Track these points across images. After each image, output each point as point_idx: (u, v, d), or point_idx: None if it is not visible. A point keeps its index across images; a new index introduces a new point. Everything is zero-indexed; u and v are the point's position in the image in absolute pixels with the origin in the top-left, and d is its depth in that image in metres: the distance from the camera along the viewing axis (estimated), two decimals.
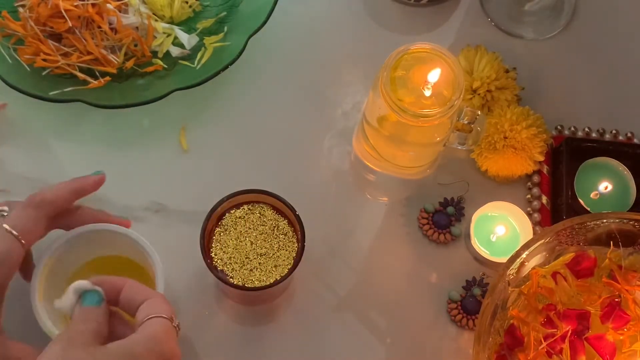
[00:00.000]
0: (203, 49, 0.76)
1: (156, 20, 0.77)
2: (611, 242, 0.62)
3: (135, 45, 0.75)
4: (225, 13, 0.79)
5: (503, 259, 0.65)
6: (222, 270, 0.63)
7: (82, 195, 0.61)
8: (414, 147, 0.70)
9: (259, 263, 0.64)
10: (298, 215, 0.63)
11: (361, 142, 0.73)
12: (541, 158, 0.74)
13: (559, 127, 0.78)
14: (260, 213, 0.65)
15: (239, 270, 0.63)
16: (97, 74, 0.74)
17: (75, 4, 0.71)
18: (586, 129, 0.78)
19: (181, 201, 0.73)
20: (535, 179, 0.76)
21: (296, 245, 0.64)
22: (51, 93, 0.71)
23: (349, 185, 0.76)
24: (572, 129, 0.78)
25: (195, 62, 0.75)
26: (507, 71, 0.77)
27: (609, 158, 0.74)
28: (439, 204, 0.75)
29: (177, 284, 0.70)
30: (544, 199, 0.75)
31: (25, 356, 0.54)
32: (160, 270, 0.59)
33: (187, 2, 0.79)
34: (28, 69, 0.73)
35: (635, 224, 0.62)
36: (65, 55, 0.73)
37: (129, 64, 0.74)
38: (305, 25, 0.82)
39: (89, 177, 0.62)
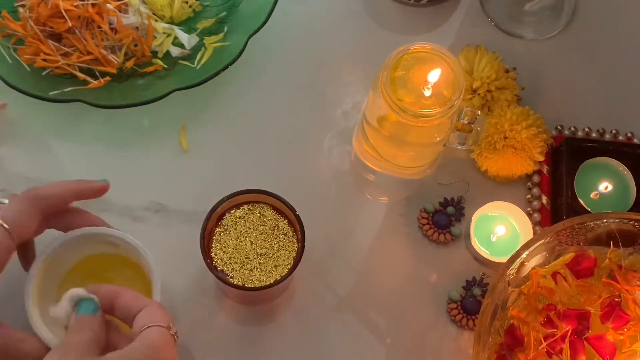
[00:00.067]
0: (203, 49, 0.76)
1: (156, 20, 0.77)
2: (611, 242, 0.62)
3: (135, 45, 0.75)
4: (225, 13, 0.79)
5: (503, 259, 0.65)
6: (222, 270, 0.63)
7: (81, 198, 0.60)
8: (414, 147, 0.70)
9: (259, 263, 0.64)
10: (298, 215, 0.63)
11: (361, 142, 0.73)
12: (541, 158, 0.74)
13: (559, 127, 0.78)
14: (260, 213, 0.65)
15: (239, 270, 0.64)
16: (97, 74, 0.74)
17: (75, 4, 0.71)
18: (586, 129, 0.78)
19: (181, 201, 0.73)
20: (535, 179, 0.76)
21: (296, 245, 0.64)
22: (51, 93, 0.71)
23: (349, 185, 0.76)
24: (572, 129, 0.78)
25: (195, 62, 0.75)
26: (507, 71, 0.77)
27: (609, 158, 0.74)
28: (439, 204, 0.75)
29: (177, 284, 0.70)
30: (544, 199, 0.75)
31: (26, 340, 0.53)
32: (157, 276, 0.58)
33: (187, 2, 0.79)
34: (28, 69, 0.73)
35: (635, 224, 0.62)
36: (65, 55, 0.73)
37: (129, 64, 0.74)
38: (305, 25, 0.82)
39: (93, 182, 0.60)
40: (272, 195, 0.64)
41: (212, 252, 0.64)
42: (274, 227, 0.65)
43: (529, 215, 0.74)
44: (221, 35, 0.77)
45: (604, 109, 0.80)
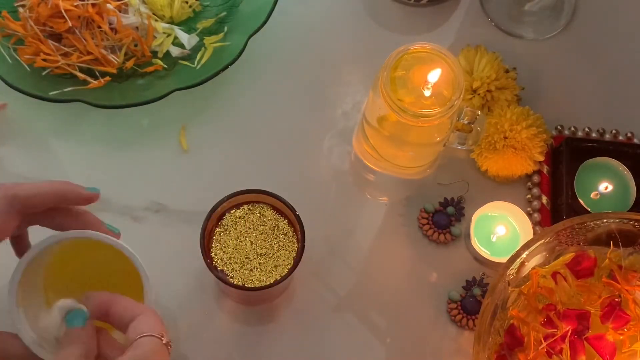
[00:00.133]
0: (203, 49, 0.76)
1: (156, 20, 0.77)
2: (611, 242, 0.62)
3: (135, 45, 0.75)
4: (225, 13, 0.79)
5: (503, 259, 0.65)
6: (222, 270, 0.63)
7: (65, 203, 0.56)
8: (414, 147, 0.70)
9: (259, 263, 0.64)
10: (298, 215, 0.63)
11: (361, 142, 0.73)
12: (541, 158, 0.74)
13: (559, 127, 0.78)
14: (260, 213, 0.65)
15: (239, 270, 0.64)
16: (97, 74, 0.74)
17: (75, 4, 0.71)
18: (586, 129, 0.78)
19: (181, 201, 0.73)
20: (535, 179, 0.76)
21: (296, 245, 0.64)
22: (51, 93, 0.71)
23: (349, 185, 0.76)
24: (572, 129, 0.78)
25: (195, 62, 0.75)
26: (507, 71, 0.77)
27: (609, 158, 0.74)
28: (439, 204, 0.75)
29: (177, 284, 0.70)
30: (544, 199, 0.75)
31: (9, 341, 0.52)
32: (148, 282, 0.57)
33: (187, 2, 0.79)
34: (28, 69, 0.73)
35: (635, 224, 0.62)
36: (65, 55, 0.73)
37: (129, 64, 0.74)
38: (305, 25, 0.82)
39: (81, 188, 0.56)
40: (272, 195, 0.64)
41: (212, 252, 0.64)
42: (274, 227, 0.65)
43: (529, 215, 0.74)
44: (221, 35, 0.77)
45: (604, 109, 0.80)
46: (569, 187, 0.73)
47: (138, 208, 0.73)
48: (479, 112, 0.68)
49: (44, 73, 0.73)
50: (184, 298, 0.70)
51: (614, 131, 0.79)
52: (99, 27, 0.72)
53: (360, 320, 0.71)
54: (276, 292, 0.69)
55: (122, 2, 0.75)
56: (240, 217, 0.65)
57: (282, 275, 0.63)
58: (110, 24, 0.73)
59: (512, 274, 0.62)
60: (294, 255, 0.64)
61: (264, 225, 0.65)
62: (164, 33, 0.76)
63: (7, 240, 0.55)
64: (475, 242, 0.71)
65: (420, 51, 0.64)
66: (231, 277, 0.63)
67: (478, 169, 0.76)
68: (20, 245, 0.58)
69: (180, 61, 0.76)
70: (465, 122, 0.68)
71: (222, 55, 0.75)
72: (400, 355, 0.70)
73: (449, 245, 0.74)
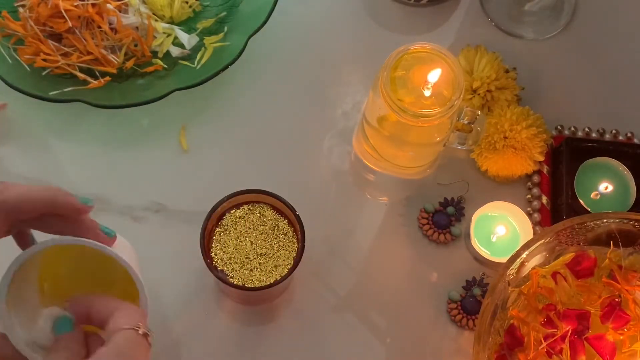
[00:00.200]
0: (203, 49, 0.76)
1: (156, 20, 0.77)
2: (611, 242, 0.62)
3: (135, 45, 0.75)
4: (225, 13, 0.79)
5: (503, 259, 0.65)
6: (222, 270, 0.63)
7: (56, 212, 0.53)
8: (414, 147, 0.70)
9: (259, 263, 0.64)
10: (298, 215, 0.63)
11: (361, 142, 0.73)
12: (541, 158, 0.74)
13: (559, 127, 0.78)
14: (260, 213, 0.65)
15: (239, 270, 0.64)
16: (97, 74, 0.74)
17: (75, 4, 0.71)
18: (586, 129, 0.78)
19: (181, 201, 0.73)
20: (535, 179, 0.76)
21: (296, 245, 0.64)
22: (51, 93, 0.72)
23: (349, 185, 0.76)
24: (572, 129, 0.78)
25: (195, 62, 0.75)
26: (507, 71, 0.77)
27: (609, 158, 0.74)
28: (439, 204, 0.75)
29: (177, 284, 0.70)
30: (544, 199, 0.75)
31: None
32: (143, 289, 0.55)
33: (187, 2, 0.79)
34: (28, 69, 0.73)
35: (635, 224, 0.62)
36: (65, 55, 0.73)
37: (129, 64, 0.74)
38: (305, 25, 0.82)
39: (74, 198, 0.54)
40: (272, 195, 0.64)
41: (212, 252, 0.64)
42: (274, 227, 0.65)
43: (529, 215, 0.74)
44: (221, 35, 0.77)
45: (604, 109, 0.80)
46: (569, 187, 0.73)
47: (138, 208, 0.73)
48: (479, 112, 0.68)
49: (44, 73, 0.73)
50: (184, 298, 0.70)
51: (614, 131, 0.79)
52: (99, 27, 0.72)
53: (360, 320, 0.71)
54: (276, 292, 0.69)
55: (122, 2, 0.75)
56: (240, 217, 0.65)
57: (282, 275, 0.63)
58: (110, 24, 0.73)
59: (512, 274, 0.62)
60: (294, 255, 0.64)
61: (264, 225, 0.65)
62: (164, 33, 0.76)
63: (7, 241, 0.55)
64: (475, 242, 0.71)
65: (420, 51, 0.64)
66: (231, 277, 0.63)
67: (478, 169, 0.76)
68: (23, 240, 0.58)
69: (180, 61, 0.76)
70: (465, 122, 0.68)
71: (222, 55, 0.75)
72: (400, 355, 0.70)
73: (449, 245, 0.74)
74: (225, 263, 0.64)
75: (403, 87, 0.64)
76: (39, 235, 0.57)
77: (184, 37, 0.76)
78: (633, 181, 0.73)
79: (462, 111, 0.67)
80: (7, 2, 0.75)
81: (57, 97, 0.71)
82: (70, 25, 0.71)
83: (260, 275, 0.63)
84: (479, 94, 0.75)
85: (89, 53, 0.73)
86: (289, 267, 0.64)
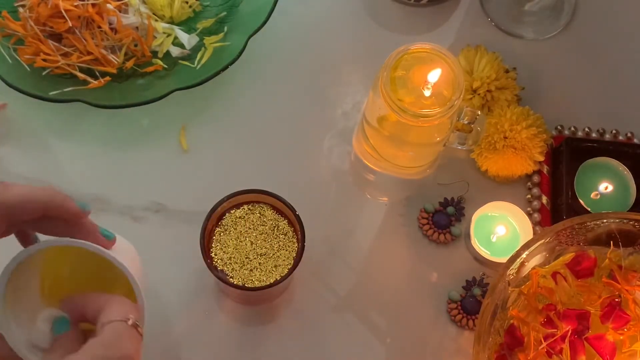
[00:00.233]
0: (203, 49, 0.76)
1: (156, 20, 0.77)
2: (611, 242, 0.62)
3: (135, 45, 0.75)
4: (225, 13, 0.79)
5: (503, 259, 0.65)
6: (222, 270, 0.63)
7: (51, 214, 0.53)
8: (414, 147, 0.70)
9: (259, 263, 0.64)
10: (298, 215, 0.63)
11: (361, 142, 0.73)
12: (541, 158, 0.74)
13: (559, 127, 0.78)
14: (260, 213, 0.65)
15: (239, 270, 0.64)
16: (97, 74, 0.74)
17: (75, 4, 0.71)
18: (586, 129, 0.78)
19: (181, 201, 0.73)
20: (535, 179, 0.76)
21: (296, 245, 0.64)
22: (51, 93, 0.72)
23: (349, 185, 0.76)
24: (572, 129, 0.78)
25: (195, 62, 0.75)
26: (507, 71, 0.77)
27: (609, 158, 0.74)
28: (439, 204, 0.75)
29: (176, 283, 0.70)
30: (544, 199, 0.75)
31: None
32: (139, 291, 0.54)
33: (187, 2, 0.79)
34: (28, 69, 0.73)
35: (635, 224, 0.62)
36: (65, 55, 0.73)
37: (129, 64, 0.74)
38: (305, 25, 0.82)
39: (71, 203, 0.53)
40: (272, 195, 0.64)
41: (212, 252, 0.64)
42: (274, 227, 0.65)
43: (529, 215, 0.74)
44: (221, 35, 0.77)
45: (604, 109, 0.80)
46: (569, 187, 0.73)
47: (138, 208, 0.73)
48: (479, 112, 0.68)
49: (44, 73, 0.73)
50: (184, 298, 0.70)
51: (614, 131, 0.79)
52: (99, 27, 0.72)
53: (360, 320, 0.71)
54: (276, 292, 0.69)
55: (122, 2, 0.75)
56: (240, 217, 0.65)
57: (282, 275, 0.63)
58: (110, 24, 0.73)
59: (512, 274, 0.62)
60: (294, 255, 0.64)
61: (264, 225, 0.65)
62: (164, 33, 0.76)
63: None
64: (475, 242, 0.71)
65: (420, 51, 0.64)
66: (231, 277, 0.63)
67: (478, 169, 0.76)
68: (26, 241, 0.58)
69: (180, 61, 0.76)
70: (465, 122, 0.68)
71: (222, 55, 0.75)
72: (400, 355, 0.70)
73: (449, 245, 0.74)
74: (225, 263, 0.64)
75: (403, 87, 0.64)
76: (43, 236, 0.57)
77: (184, 37, 0.76)
78: (633, 181, 0.73)
79: (462, 111, 0.67)
80: (7, 2, 0.75)
81: (57, 97, 0.71)
82: (70, 25, 0.71)
83: (260, 275, 0.63)
84: (479, 94, 0.75)
85: (89, 53, 0.73)
86: (289, 267, 0.64)
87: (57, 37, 0.73)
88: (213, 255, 0.64)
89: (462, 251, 0.74)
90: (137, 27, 0.75)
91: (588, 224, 0.63)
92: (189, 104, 0.77)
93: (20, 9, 0.73)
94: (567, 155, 0.74)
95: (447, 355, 0.70)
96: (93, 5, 0.72)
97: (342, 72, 0.80)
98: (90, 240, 0.53)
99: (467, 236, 0.73)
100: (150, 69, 0.75)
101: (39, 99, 0.71)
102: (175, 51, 0.76)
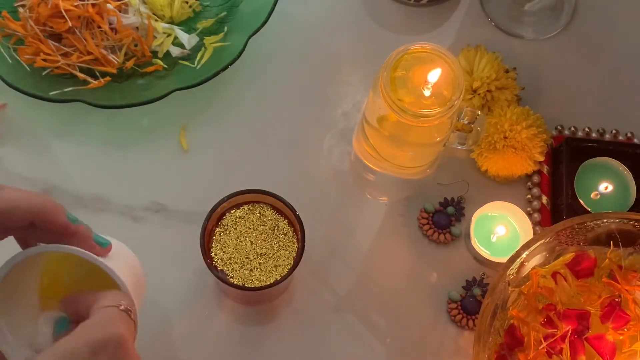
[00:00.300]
0: (203, 49, 0.76)
1: (156, 20, 0.77)
2: (611, 242, 0.62)
3: (135, 45, 0.75)
4: (225, 13, 0.79)
5: (503, 259, 0.65)
6: (222, 270, 0.63)
7: (41, 223, 0.51)
8: (414, 147, 0.70)
9: (259, 263, 0.64)
10: (298, 215, 0.63)
11: (361, 142, 0.73)
12: (541, 158, 0.74)
13: (559, 127, 0.78)
14: (260, 213, 0.65)
15: (239, 270, 0.64)
16: (97, 74, 0.74)
17: (75, 4, 0.71)
18: (586, 129, 0.78)
19: (181, 201, 0.73)
20: (535, 179, 0.76)
21: (296, 245, 0.64)
22: (51, 93, 0.71)
23: (349, 185, 0.76)
24: (572, 129, 0.78)
25: (195, 62, 0.75)
26: (507, 71, 0.77)
27: (609, 158, 0.74)
28: (439, 204, 0.75)
29: (177, 284, 0.70)
30: (544, 199, 0.75)
31: None
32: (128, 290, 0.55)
33: (187, 2, 0.79)
34: (28, 69, 0.73)
35: (635, 224, 0.62)
36: (65, 55, 0.73)
37: (129, 64, 0.74)
38: (305, 26, 0.82)
39: (62, 215, 0.51)
40: (272, 195, 0.64)
41: (212, 252, 0.64)
42: (274, 227, 0.65)
43: (529, 215, 0.74)
44: (221, 35, 0.77)
45: (604, 109, 0.80)
46: (569, 187, 0.73)
47: (138, 208, 0.73)
48: (479, 112, 0.68)
49: (44, 73, 0.73)
50: (184, 298, 0.70)
51: (614, 131, 0.79)
52: (99, 27, 0.72)
53: (360, 320, 0.71)
54: (276, 292, 0.69)
55: (122, 2, 0.75)
56: (240, 217, 0.65)
57: (282, 275, 0.63)
58: (110, 24, 0.73)
59: (512, 274, 0.62)
60: (294, 255, 0.64)
61: (264, 225, 0.65)
62: (164, 33, 0.76)
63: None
64: (475, 242, 0.71)
65: (420, 51, 0.64)
66: (231, 277, 0.63)
67: (478, 169, 0.76)
68: (26, 245, 0.57)
69: (180, 61, 0.76)
70: (465, 122, 0.68)
71: (222, 55, 0.75)
72: (400, 355, 0.70)
73: (449, 245, 0.74)
74: (225, 263, 0.64)
75: (403, 87, 0.64)
76: None
77: (184, 37, 0.76)
78: (633, 181, 0.73)
79: (462, 111, 0.67)
80: (7, 2, 0.75)
81: (57, 97, 0.71)
82: (70, 25, 0.71)
83: (260, 275, 0.63)
84: (479, 94, 0.75)
85: (89, 53, 0.73)
86: (289, 267, 0.64)
87: (57, 37, 0.73)
88: (213, 255, 0.64)
89: (462, 251, 0.74)
90: (137, 27, 0.75)
91: (588, 224, 0.63)
92: (189, 104, 0.77)
93: (20, 9, 0.73)
94: (567, 155, 0.74)
95: (447, 355, 0.70)
96: (93, 5, 0.72)
97: (342, 72, 0.80)
98: (83, 247, 0.52)
99: (467, 236, 0.73)
100: (151, 69, 0.75)
101: (39, 99, 0.71)
102: (175, 51, 0.76)
